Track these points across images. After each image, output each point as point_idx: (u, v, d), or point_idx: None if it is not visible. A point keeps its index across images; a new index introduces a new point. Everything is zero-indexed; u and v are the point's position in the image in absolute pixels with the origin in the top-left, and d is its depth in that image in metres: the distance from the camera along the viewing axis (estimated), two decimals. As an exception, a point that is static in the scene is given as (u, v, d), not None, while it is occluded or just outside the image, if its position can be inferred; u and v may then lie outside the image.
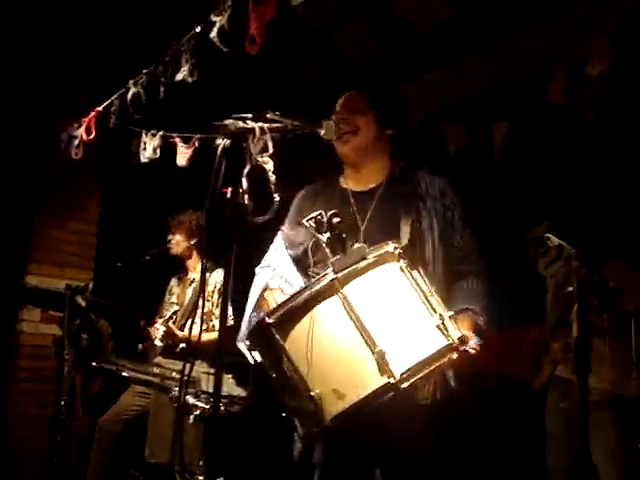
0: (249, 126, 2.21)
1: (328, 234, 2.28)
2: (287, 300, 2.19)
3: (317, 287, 2.13)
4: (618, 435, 3.25)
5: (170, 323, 4.60)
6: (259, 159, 2.26)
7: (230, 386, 4.12)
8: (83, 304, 3.79)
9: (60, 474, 3.79)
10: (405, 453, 2.52)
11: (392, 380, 2.01)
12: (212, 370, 3.60)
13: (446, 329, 2.14)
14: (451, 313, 2.23)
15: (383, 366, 2.02)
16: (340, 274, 2.12)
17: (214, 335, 4.30)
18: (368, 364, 2.03)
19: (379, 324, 2.08)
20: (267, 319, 2.14)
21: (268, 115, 2.32)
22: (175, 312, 4.68)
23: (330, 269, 2.15)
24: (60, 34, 5.09)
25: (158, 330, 4.66)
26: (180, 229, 5.08)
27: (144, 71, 4.32)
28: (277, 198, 2.52)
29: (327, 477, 2.59)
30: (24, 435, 5.54)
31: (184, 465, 3.29)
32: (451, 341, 2.12)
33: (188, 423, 3.45)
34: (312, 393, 2.06)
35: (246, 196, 2.20)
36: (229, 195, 2.18)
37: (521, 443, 4.17)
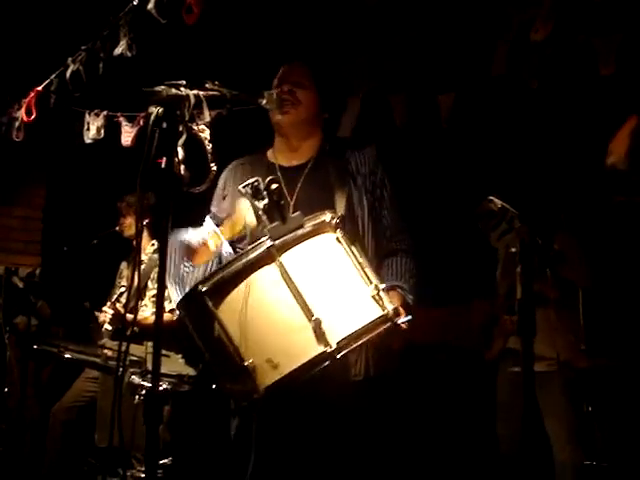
0: (183, 93, 2.14)
1: (265, 201, 2.21)
2: (221, 267, 2.14)
3: (254, 254, 2.09)
4: (567, 401, 3.29)
5: (118, 305, 4.50)
6: (195, 127, 2.20)
7: (179, 366, 4.07)
8: (20, 286, 3.70)
9: (6, 461, 3.71)
10: (337, 430, 2.49)
11: (328, 349, 1.99)
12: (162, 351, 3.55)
13: (381, 299, 2.13)
14: (383, 286, 2.22)
15: (319, 335, 1.99)
16: (277, 241, 2.08)
17: (166, 317, 4.25)
18: (304, 333, 2.00)
19: (316, 293, 2.05)
20: (200, 287, 2.08)
21: (207, 84, 2.26)
22: (121, 294, 4.58)
23: (267, 236, 2.10)
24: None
25: (107, 313, 4.56)
26: (130, 211, 4.97)
27: (82, 47, 4.20)
28: (214, 168, 2.47)
29: (262, 452, 2.54)
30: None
31: (133, 447, 3.22)
32: (386, 312, 2.11)
33: (134, 404, 3.39)
34: (246, 363, 2.01)
35: (182, 166, 2.14)
36: (164, 165, 2.11)
37: (473, 414, 4.19)
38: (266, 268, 2.07)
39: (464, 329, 4.14)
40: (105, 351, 3.86)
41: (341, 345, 2.00)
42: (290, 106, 2.68)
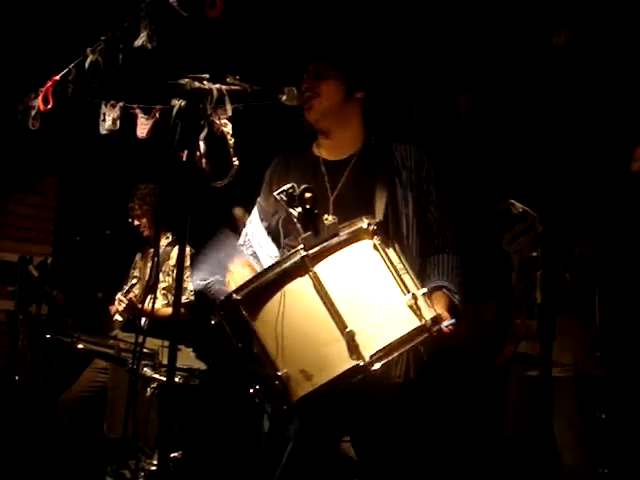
0: (206, 87, 2.14)
1: (300, 209, 2.19)
2: (256, 276, 2.11)
3: (287, 264, 2.06)
4: (579, 407, 3.28)
5: (131, 296, 4.51)
6: (217, 121, 2.19)
7: (190, 359, 4.07)
8: (36, 274, 3.70)
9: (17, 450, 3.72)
10: (377, 432, 2.49)
11: (361, 362, 1.96)
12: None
13: (419, 309, 2.07)
14: (425, 291, 2.17)
15: (352, 348, 1.96)
16: (311, 251, 2.05)
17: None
18: (337, 345, 1.98)
19: (350, 304, 2.02)
20: (235, 295, 2.07)
21: (228, 79, 2.25)
22: (133, 285, 4.58)
23: (301, 246, 2.07)
24: (15, 1, 4.94)
25: (121, 303, 4.56)
26: (141, 211, 4.96)
27: (102, 38, 4.20)
28: (236, 162, 2.46)
29: (299, 449, 2.52)
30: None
31: (141, 439, 3.23)
32: (423, 322, 2.06)
33: (146, 396, 3.39)
34: (279, 373, 2.00)
35: (203, 160, 2.13)
36: (185, 159, 2.11)
37: (482, 416, 4.18)
38: (300, 279, 2.04)
39: (475, 331, 4.12)
40: (118, 342, 3.86)
41: (375, 359, 1.97)
42: (310, 100, 2.65)
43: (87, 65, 4.30)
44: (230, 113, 2.21)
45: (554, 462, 3.30)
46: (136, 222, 4.88)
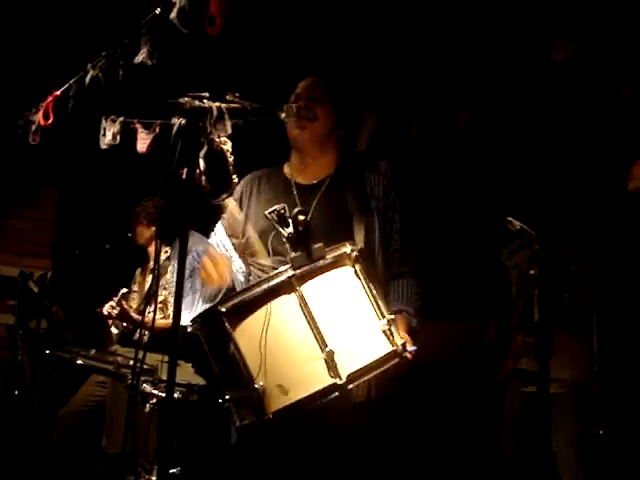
0: (206, 105, 2.16)
1: (290, 229, 2.23)
2: (242, 291, 2.18)
3: (274, 282, 2.12)
4: (577, 423, 3.28)
5: (124, 303, 4.51)
6: (217, 139, 2.22)
7: (189, 375, 4.06)
8: (36, 290, 3.71)
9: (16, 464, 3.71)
10: (337, 451, 2.49)
11: (338, 381, 2.03)
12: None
13: (391, 334, 2.18)
14: (393, 317, 2.26)
15: (331, 366, 2.04)
16: (298, 271, 2.11)
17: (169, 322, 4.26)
18: (316, 363, 2.05)
19: (331, 325, 2.10)
20: (219, 307, 2.12)
21: (227, 97, 2.27)
22: (124, 294, 4.57)
23: (289, 265, 2.13)
24: (16, 17, 4.96)
25: (113, 310, 4.56)
26: (139, 218, 4.98)
27: (103, 54, 4.22)
28: (236, 180, 2.49)
29: (263, 470, 2.55)
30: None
31: (139, 454, 3.22)
32: (395, 347, 2.16)
33: (145, 412, 3.38)
34: (256, 385, 2.05)
35: (203, 177, 2.15)
36: (184, 176, 2.12)
37: (480, 432, 4.17)
38: (286, 296, 2.11)
39: (475, 346, 4.13)
40: (117, 358, 3.86)
41: (351, 378, 2.05)
42: (307, 121, 2.69)
43: (87, 80, 4.32)
44: (230, 131, 2.23)
45: (551, 477, 3.30)
46: (138, 236, 4.91)
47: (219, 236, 2.83)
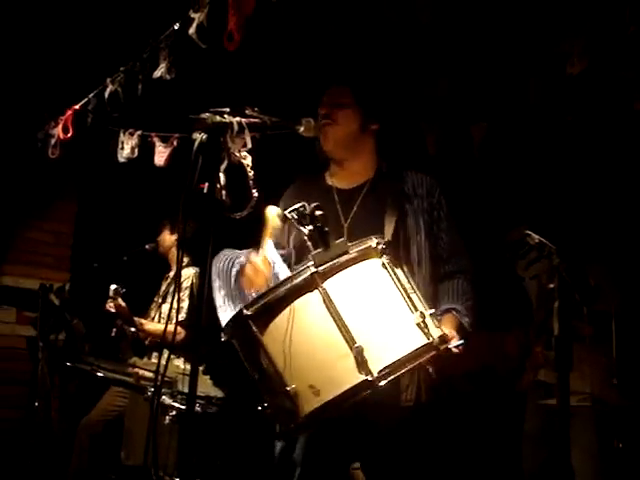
0: (227, 120, 2.18)
1: (310, 226, 2.22)
2: (266, 292, 2.15)
3: (297, 280, 2.09)
4: (597, 436, 3.26)
5: (119, 299, 4.56)
6: (238, 154, 2.23)
7: (207, 387, 4.09)
8: (57, 303, 3.74)
9: (35, 476, 3.74)
10: (388, 456, 2.48)
11: (369, 377, 1.97)
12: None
13: (426, 327, 2.10)
14: (432, 311, 2.21)
15: (361, 363, 1.98)
16: (320, 268, 2.08)
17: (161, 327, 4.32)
18: (346, 361, 1.99)
19: (359, 320, 2.04)
20: (245, 311, 2.09)
21: (247, 111, 2.29)
22: (116, 290, 4.63)
23: (311, 262, 2.10)
24: (37, 32, 5.02)
25: (111, 309, 4.62)
26: (168, 223, 5.07)
27: (122, 69, 4.27)
28: (256, 194, 2.50)
29: (307, 474, 2.54)
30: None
31: (159, 467, 3.24)
32: (431, 339, 2.08)
33: (164, 424, 3.40)
34: (288, 388, 2.02)
35: (224, 192, 2.17)
36: (206, 191, 2.15)
37: (503, 445, 4.16)
38: (309, 294, 2.07)
39: (495, 358, 4.12)
40: (137, 370, 3.89)
41: (383, 374, 1.99)
42: (327, 127, 2.70)
43: (107, 95, 4.37)
44: (250, 145, 2.25)
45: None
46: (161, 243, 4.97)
47: (266, 250, 2.83)
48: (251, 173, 2.28)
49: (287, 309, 2.08)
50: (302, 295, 2.08)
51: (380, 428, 2.45)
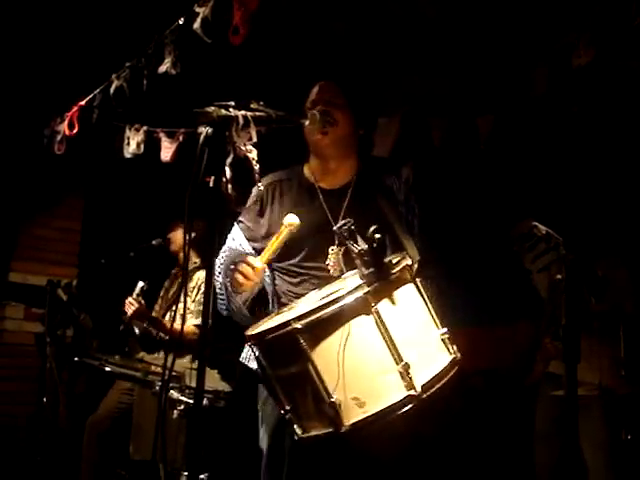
0: (232, 114, 2.18)
1: (364, 247, 2.21)
2: (317, 308, 2.16)
3: (350, 299, 2.12)
4: (606, 428, 3.25)
5: (141, 298, 4.58)
6: (243, 148, 2.23)
7: (215, 381, 4.09)
8: (65, 298, 3.75)
9: (43, 471, 3.75)
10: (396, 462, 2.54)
11: (413, 392, 2.08)
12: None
13: (450, 342, 2.26)
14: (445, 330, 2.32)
15: (407, 379, 2.09)
16: (372, 288, 2.13)
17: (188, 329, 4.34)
18: (392, 376, 2.10)
19: (404, 339, 2.14)
20: (294, 324, 2.11)
21: (252, 105, 2.29)
22: (143, 288, 4.64)
23: (362, 282, 2.14)
24: (42, 28, 5.03)
25: (131, 305, 4.63)
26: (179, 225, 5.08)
27: (127, 64, 4.27)
28: (261, 187, 2.51)
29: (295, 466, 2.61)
30: (6, 434, 5.48)
31: (167, 461, 3.25)
32: (454, 355, 2.25)
33: (172, 418, 3.41)
34: (332, 399, 2.07)
35: (229, 185, 2.17)
36: (211, 184, 2.14)
37: (510, 440, 4.15)
38: (362, 315, 2.12)
39: (505, 352, 4.11)
40: (146, 365, 3.89)
41: (425, 388, 2.10)
42: (329, 126, 2.70)
43: (112, 91, 4.37)
44: (255, 139, 2.25)
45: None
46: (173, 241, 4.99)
47: (238, 240, 2.84)
48: (257, 167, 2.28)
49: (339, 326, 2.12)
50: (355, 313, 2.13)
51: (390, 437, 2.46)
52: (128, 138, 4.98)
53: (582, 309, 2.80)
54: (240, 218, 2.88)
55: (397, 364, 2.08)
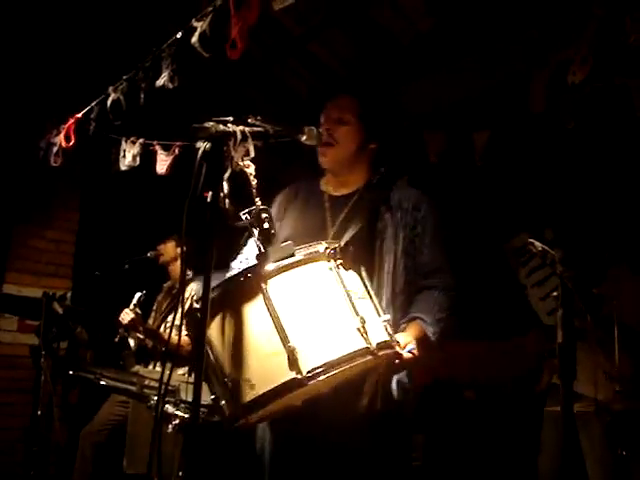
0: (230, 129, 2.19)
1: (259, 228, 2.25)
2: (213, 288, 2.15)
3: (240, 278, 2.16)
4: (604, 444, 3.26)
5: (137, 309, 4.57)
6: (240, 163, 2.24)
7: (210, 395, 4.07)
8: (60, 311, 3.73)
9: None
10: (338, 458, 2.51)
11: (299, 376, 2.04)
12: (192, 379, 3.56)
13: (365, 332, 2.14)
14: (387, 317, 2.27)
15: (293, 361, 2.05)
16: (263, 269, 2.15)
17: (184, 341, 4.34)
18: (279, 358, 2.07)
19: (295, 321, 2.11)
20: (195, 305, 2.14)
21: (249, 120, 2.30)
22: (140, 298, 4.64)
23: (255, 263, 2.17)
24: (39, 40, 5.04)
25: (127, 316, 4.63)
26: (171, 237, 5.09)
27: (124, 77, 4.28)
28: (259, 202, 2.51)
29: (275, 474, 2.63)
30: (0, 447, 5.45)
31: (162, 476, 3.22)
32: (367, 344, 2.13)
33: (167, 432, 3.39)
34: (226, 380, 2.11)
35: (227, 200, 2.17)
36: (209, 199, 2.15)
37: (512, 450, 4.15)
38: (251, 293, 2.13)
39: (506, 366, 4.12)
40: (142, 379, 3.87)
41: (313, 373, 2.05)
42: (327, 147, 2.72)
43: (109, 103, 4.38)
44: (253, 154, 2.26)
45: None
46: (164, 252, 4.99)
47: (246, 254, 2.84)
48: (254, 182, 2.29)
49: (229, 305, 2.15)
50: (244, 293, 2.15)
51: (334, 432, 2.47)
52: (124, 150, 4.99)
53: (579, 324, 2.81)
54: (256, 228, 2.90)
55: (284, 346, 2.06)
